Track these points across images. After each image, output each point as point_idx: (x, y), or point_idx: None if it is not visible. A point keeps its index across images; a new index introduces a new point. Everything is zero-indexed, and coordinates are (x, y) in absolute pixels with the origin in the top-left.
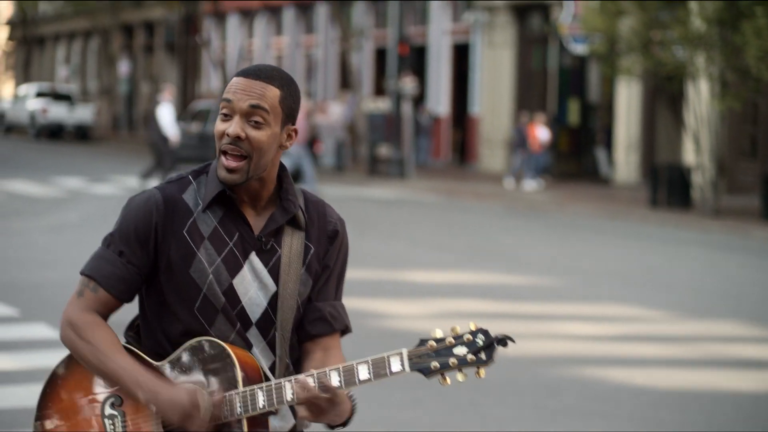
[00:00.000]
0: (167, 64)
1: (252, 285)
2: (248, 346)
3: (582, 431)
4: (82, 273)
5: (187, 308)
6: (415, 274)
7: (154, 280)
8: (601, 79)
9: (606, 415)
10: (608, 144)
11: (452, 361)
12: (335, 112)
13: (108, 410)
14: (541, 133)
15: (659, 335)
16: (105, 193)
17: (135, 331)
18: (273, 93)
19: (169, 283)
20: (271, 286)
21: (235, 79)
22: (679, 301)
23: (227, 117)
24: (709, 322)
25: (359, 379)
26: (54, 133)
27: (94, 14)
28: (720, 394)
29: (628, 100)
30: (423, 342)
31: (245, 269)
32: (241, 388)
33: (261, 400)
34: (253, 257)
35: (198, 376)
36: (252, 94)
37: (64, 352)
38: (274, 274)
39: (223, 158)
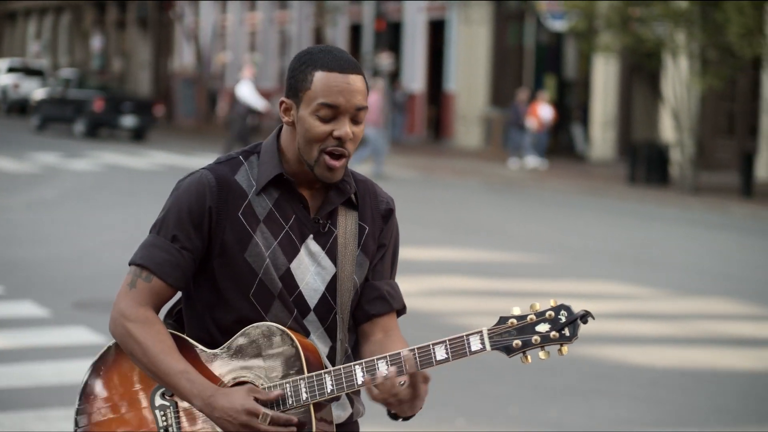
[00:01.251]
0: (140, 39)
1: (309, 269)
2: (305, 334)
3: (583, 410)
4: (133, 263)
5: (241, 294)
6: (401, 251)
7: (206, 265)
8: (578, 55)
9: (606, 393)
10: (584, 121)
11: (535, 338)
12: None
13: (158, 401)
14: (544, 112)
15: (652, 313)
16: (81, 168)
17: (175, 319)
18: (364, 85)
19: (222, 269)
20: (330, 268)
21: (330, 75)
22: (668, 278)
23: (328, 119)
24: (700, 299)
25: (436, 359)
26: (26, 108)
27: None
28: (718, 372)
29: (605, 77)
30: (503, 320)
31: (302, 253)
32: (306, 373)
33: (329, 385)
34: (310, 241)
35: (258, 363)
36: (356, 93)
37: (53, 330)
38: (332, 255)
39: (326, 158)
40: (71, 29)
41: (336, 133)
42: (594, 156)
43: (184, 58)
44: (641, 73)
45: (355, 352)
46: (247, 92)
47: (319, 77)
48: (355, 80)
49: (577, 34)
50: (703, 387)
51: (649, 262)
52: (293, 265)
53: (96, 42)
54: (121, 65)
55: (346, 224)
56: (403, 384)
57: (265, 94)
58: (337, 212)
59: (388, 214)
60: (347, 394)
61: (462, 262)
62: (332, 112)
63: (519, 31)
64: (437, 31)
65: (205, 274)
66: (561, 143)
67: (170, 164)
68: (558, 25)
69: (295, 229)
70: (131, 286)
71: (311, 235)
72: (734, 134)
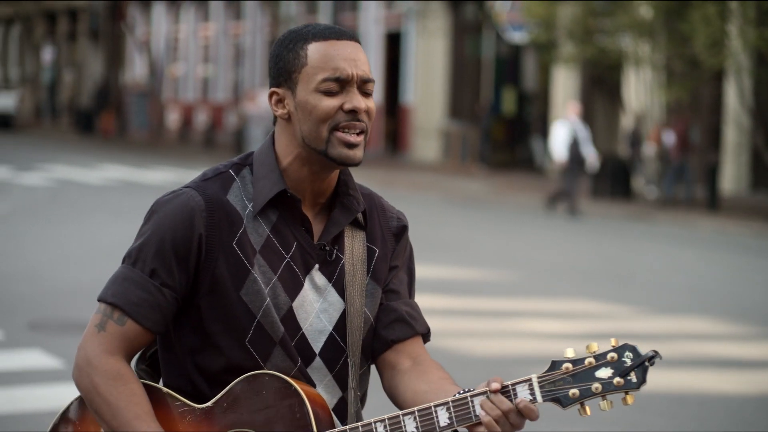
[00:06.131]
0: (91, 52)
1: (314, 307)
2: (311, 385)
3: None
4: (103, 300)
5: (235, 340)
6: None
7: (190, 303)
8: (538, 67)
9: (588, 419)
10: (544, 133)
11: (595, 386)
12: (265, 100)
13: None
14: (666, 137)
15: (629, 333)
16: (33, 183)
17: (149, 363)
18: (365, 55)
19: (211, 309)
20: (338, 303)
21: (327, 44)
22: (641, 295)
23: (334, 93)
24: (677, 318)
25: (475, 415)
26: None
27: (16, 0)
28: (708, 396)
29: (564, 89)
30: (556, 365)
31: (306, 287)
32: None
33: None
34: (315, 272)
35: (258, 421)
36: (360, 61)
37: (6, 353)
38: (339, 288)
39: (340, 133)
40: (22, 41)
41: (347, 106)
42: (554, 169)
43: (136, 70)
44: (602, 85)
45: (388, 390)
46: (558, 138)
47: (315, 48)
48: (356, 47)
49: (537, 45)
50: (689, 411)
51: (620, 278)
52: (296, 304)
53: (47, 54)
54: (72, 78)
55: (353, 248)
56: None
57: (217, 108)
58: (343, 234)
59: (400, 232)
60: None
61: (426, 280)
62: (338, 85)
63: (477, 42)
64: (394, 43)
65: (189, 314)
66: (520, 156)
67: (123, 178)
68: (517, 37)
69: (298, 259)
70: (100, 329)
71: (317, 266)
72: (700, 147)
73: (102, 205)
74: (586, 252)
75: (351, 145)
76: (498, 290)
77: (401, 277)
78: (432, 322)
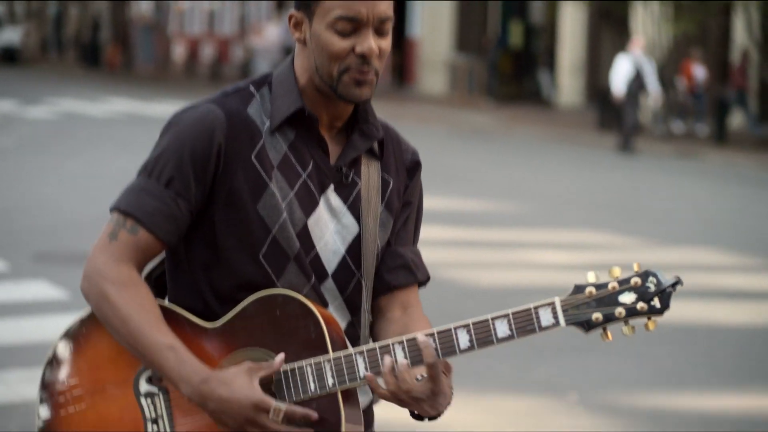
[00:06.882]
0: None
1: (328, 227)
2: (323, 305)
3: (575, 367)
4: (116, 209)
5: (248, 255)
6: None
7: (203, 218)
8: (545, 0)
9: (597, 350)
10: (551, 66)
11: (619, 311)
12: (272, 33)
13: (144, 387)
14: (697, 72)
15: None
16: (39, 116)
17: (155, 284)
18: None
19: (226, 222)
20: (352, 226)
21: None
22: (649, 227)
23: (347, 33)
24: (686, 249)
25: (497, 338)
26: None
27: None
28: (713, 327)
29: (572, 23)
30: (579, 289)
31: (321, 207)
32: (331, 353)
33: (362, 367)
34: (331, 192)
35: (270, 341)
36: (379, 1)
37: (11, 284)
38: (355, 212)
39: (351, 74)
40: None
41: (358, 49)
42: (562, 102)
43: (142, 4)
44: (609, 19)
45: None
46: (620, 71)
47: None
48: None
49: None
50: (697, 342)
51: (628, 210)
52: (311, 222)
53: None
54: (78, 12)
55: (369, 175)
56: (420, 379)
57: (223, 41)
58: (360, 161)
59: (414, 167)
60: None
61: (434, 211)
62: (352, 25)
63: None
64: None
65: (202, 228)
66: (527, 89)
67: (129, 112)
68: None
69: (314, 178)
70: (112, 238)
71: (332, 186)
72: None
73: (108, 138)
74: (594, 183)
75: (360, 83)
76: (505, 221)
77: (411, 220)
78: (439, 253)
